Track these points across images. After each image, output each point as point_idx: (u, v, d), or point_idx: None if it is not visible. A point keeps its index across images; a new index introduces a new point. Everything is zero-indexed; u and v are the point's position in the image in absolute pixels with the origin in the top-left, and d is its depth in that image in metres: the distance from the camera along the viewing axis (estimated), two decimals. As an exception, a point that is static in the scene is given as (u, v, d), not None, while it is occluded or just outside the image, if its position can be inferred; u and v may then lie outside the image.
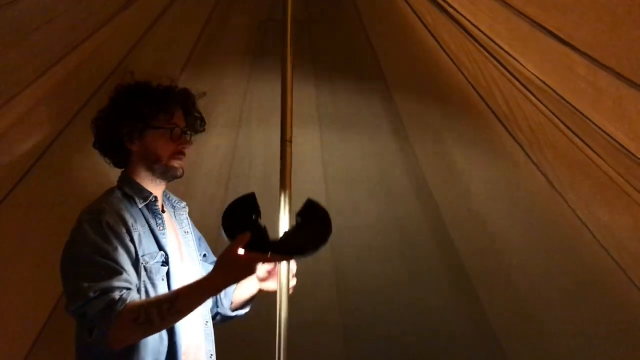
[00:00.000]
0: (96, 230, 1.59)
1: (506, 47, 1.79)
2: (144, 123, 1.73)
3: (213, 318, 1.91)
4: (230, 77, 2.43)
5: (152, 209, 1.76)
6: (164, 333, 1.61)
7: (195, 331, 1.75)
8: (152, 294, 1.62)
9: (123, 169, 1.81)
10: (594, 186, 2.00)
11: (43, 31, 1.63)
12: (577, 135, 1.88)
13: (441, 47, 2.05)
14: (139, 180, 1.77)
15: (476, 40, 1.89)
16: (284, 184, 1.76)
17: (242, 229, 1.56)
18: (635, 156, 1.66)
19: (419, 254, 2.77)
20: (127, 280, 1.55)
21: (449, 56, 2.07)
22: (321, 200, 1.69)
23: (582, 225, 2.12)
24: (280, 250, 1.61)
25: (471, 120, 2.24)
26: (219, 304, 1.96)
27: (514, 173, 2.26)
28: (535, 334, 2.60)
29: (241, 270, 1.56)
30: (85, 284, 1.51)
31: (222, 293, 1.93)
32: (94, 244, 1.57)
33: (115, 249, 1.58)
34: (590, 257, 2.17)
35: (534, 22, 1.53)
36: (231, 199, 1.68)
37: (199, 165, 2.51)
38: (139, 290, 1.60)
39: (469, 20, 1.83)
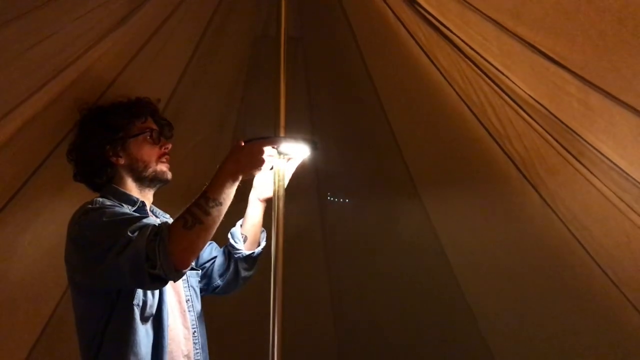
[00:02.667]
0: (103, 206, 1.62)
1: (498, 66, 1.81)
2: (123, 134, 1.76)
3: (234, 279, 1.97)
4: (224, 93, 2.44)
5: (141, 214, 1.74)
6: (151, 343, 1.60)
7: (183, 340, 1.74)
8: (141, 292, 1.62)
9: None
10: (586, 202, 2.00)
11: (36, 50, 1.63)
12: (569, 153, 1.89)
13: (434, 64, 2.06)
14: (125, 190, 1.77)
15: (468, 58, 1.91)
16: (277, 203, 1.79)
17: None
18: (627, 173, 1.68)
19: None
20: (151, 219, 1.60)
21: (441, 73, 2.08)
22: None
23: (575, 241, 2.13)
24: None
25: (463, 137, 2.25)
26: (235, 247, 1.96)
27: (506, 189, 2.27)
28: (529, 352, 2.60)
29: (250, 156, 1.62)
30: (119, 230, 1.49)
31: (233, 239, 1.97)
32: (110, 211, 1.59)
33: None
34: (583, 273, 2.18)
35: (526, 42, 1.55)
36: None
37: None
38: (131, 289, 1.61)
39: (461, 39, 1.85)
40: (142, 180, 1.78)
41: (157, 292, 1.66)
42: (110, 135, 1.74)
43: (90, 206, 1.63)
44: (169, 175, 1.82)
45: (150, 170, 1.78)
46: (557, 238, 2.17)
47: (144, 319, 1.61)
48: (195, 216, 1.49)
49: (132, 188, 1.78)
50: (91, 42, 1.83)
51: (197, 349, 1.77)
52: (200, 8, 2.13)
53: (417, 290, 2.79)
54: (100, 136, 1.74)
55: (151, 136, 1.80)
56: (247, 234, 2.00)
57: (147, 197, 1.82)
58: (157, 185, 1.84)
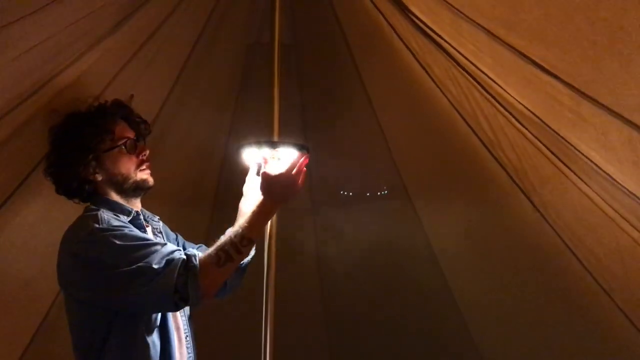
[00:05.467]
0: (111, 227, 1.58)
1: (491, 74, 1.82)
2: (94, 152, 1.68)
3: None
4: (218, 98, 2.44)
5: (137, 224, 1.73)
6: (158, 354, 1.60)
7: (178, 344, 1.73)
8: None
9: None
10: (578, 211, 2.01)
11: (28, 56, 1.62)
12: (562, 161, 1.90)
13: (427, 72, 2.07)
14: (114, 200, 1.74)
15: (461, 67, 1.92)
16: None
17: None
18: (618, 182, 1.68)
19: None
20: (170, 244, 1.58)
21: (434, 81, 2.09)
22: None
23: (567, 249, 2.13)
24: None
25: (456, 145, 2.25)
26: None
27: (498, 197, 2.27)
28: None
29: (286, 188, 1.62)
30: (144, 259, 1.48)
31: None
32: (121, 233, 1.55)
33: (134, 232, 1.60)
34: (575, 280, 2.18)
35: (518, 51, 1.55)
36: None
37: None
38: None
39: (454, 47, 1.86)
40: (125, 192, 1.74)
41: None
42: (81, 155, 1.67)
43: (96, 225, 1.57)
44: (151, 182, 1.78)
45: (131, 181, 1.73)
46: (549, 245, 2.17)
47: (149, 331, 1.61)
48: (229, 255, 1.53)
49: (117, 199, 1.74)
50: (84, 49, 1.83)
51: (189, 354, 1.77)
52: (194, 15, 2.14)
53: (408, 292, 2.81)
54: (71, 157, 1.67)
55: (126, 146, 1.73)
56: None
57: (135, 204, 1.78)
58: (142, 194, 1.80)
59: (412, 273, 2.76)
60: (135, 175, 1.74)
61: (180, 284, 1.47)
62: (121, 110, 1.79)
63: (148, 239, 1.58)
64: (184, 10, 2.07)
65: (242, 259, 1.61)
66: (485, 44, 1.63)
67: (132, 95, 1.89)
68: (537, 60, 1.51)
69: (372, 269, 2.83)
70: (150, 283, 1.47)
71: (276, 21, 1.94)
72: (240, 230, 1.57)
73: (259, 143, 1.75)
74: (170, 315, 1.69)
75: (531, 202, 2.14)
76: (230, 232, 1.61)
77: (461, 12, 1.63)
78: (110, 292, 1.54)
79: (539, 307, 2.43)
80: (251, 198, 1.89)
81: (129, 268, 1.48)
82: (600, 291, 2.11)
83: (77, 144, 1.67)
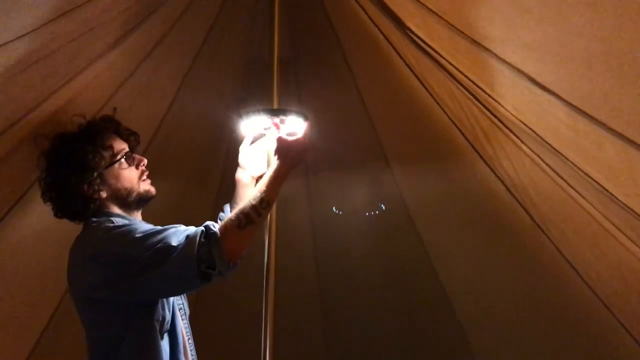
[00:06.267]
0: (126, 224, 1.60)
1: (487, 89, 1.83)
2: (96, 170, 1.68)
3: None
4: (216, 115, 2.45)
5: None
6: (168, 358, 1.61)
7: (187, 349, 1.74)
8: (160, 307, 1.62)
9: None
10: (577, 225, 2.01)
11: (31, 71, 1.64)
12: (559, 175, 1.90)
13: (424, 86, 2.09)
14: (117, 213, 1.74)
15: (458, 81, 1.93)
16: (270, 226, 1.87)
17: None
18: (616, 198, 1.68)
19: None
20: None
21: (431, 96, 2.10)
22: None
23: (566, 263, 2.13)
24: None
25: (454, 158, 2.26)
26: None
27: (497, 211, 2.27)
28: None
29: (300, 153, 1.71)
30: (162, 245, 1.49)
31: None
32: (136, 227, 1.57)
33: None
34: (575, 295, 2.18)
35: (513, 67, 1.56)
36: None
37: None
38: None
39: (450, 63, 1.87)
40: (129, 205, 1.75)
41: (171, 306, 1.66)
42: (83, 175, 1.66)
43: (111, 225, 1.60)
44: (154, 192, 1.78)
45: (135, 194, 1.74)
46: (548, 259, 2.17)
47: (161, 334, 1.61)
48: (249, 217, 1.57)
49: (120, 212, 1.74)
50: (84, 65, 1.84)
51: (192, 356, 1.78)
52: (193, 30, 2.16)
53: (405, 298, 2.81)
54: (73, 177, 1.66)
55: (126, 159, 1.74)
56: None
57: (137, 217, 1.79)
58: (145, 205, 1.80)
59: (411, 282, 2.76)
60: (139, 187, 1.75)
61: (203, 253, 1.48)
62: (112, 125, 1.80)
63: (163, 226, 1.59)
64: (182, 26, 2.09)
65: (262, 222, 1.66)
66: (481, 59, 1.65)
67: (115, 109, 1.89)
68: (532, 76, 1.52)
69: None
70: (172, 258, 1.48)
71: (275, 38, 1.95)
72: (259, 193, 1.61)
73: (263, 111, 1.82)
74: (178, 318, 1.69)
75: (530, 215, 2.14)
76: (252, 194, 1.65)
77: (457, 29, 1.65)
78: (135, 281, 1.52)
79: (538, 320, 2.42)
80: (252, 169, 1.97)
81: (150, 252, 1.50)
82: (600, 305, 2.11)
83: (79, 164, 1.66)
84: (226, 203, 2.02)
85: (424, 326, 2.79)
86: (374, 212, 2.69)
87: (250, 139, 1.95)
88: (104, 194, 1.70)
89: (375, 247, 2.76)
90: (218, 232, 1.52)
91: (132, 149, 1.81)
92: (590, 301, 2.12)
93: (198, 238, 1.50)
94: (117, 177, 1.72)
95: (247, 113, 1.83)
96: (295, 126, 1.82)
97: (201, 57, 2.25)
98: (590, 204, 1.86)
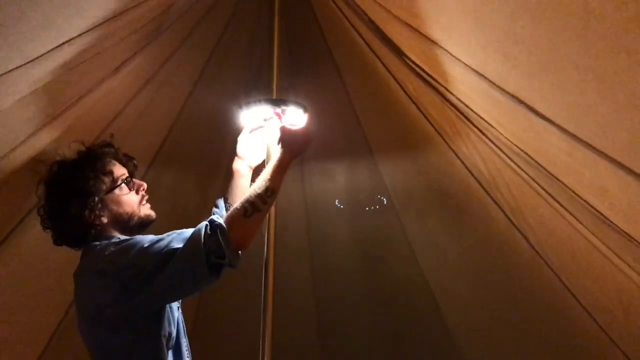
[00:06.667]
0: (132, 237, 1.60)
1: (484, 116, 1.85)
2: (97, 195, 1.67)
3: None
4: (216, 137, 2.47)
5: None
6: None
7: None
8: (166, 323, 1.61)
9: None
10: (575, 251, 2.01)
11: (33, 96, 1.65)
12: (557, 202, 1.91)
13: (422, 113, 2.11)
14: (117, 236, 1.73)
15: (456, 108, 1.95)
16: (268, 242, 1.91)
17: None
18: (614, 224, 1.69)
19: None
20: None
21: (429, 122, 2.12)
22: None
23: (565, 290, 2.13)
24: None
25: (453, 184, 2.27)
26: None
27: (496, 236, 2.28)
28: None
29: (303, 144, 1.73)
30: (169, 248, 1.50)
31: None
32: (142, 238, 1.57)
33: None
34: (575, 322, 2.17)
35: (511, 95, 1.58)
36: None
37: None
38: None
39: (448, 90, 1.89)
40: (130, 230, 1.74)
41: (176, 322, 1.65)
42: (85, 200, 1.65)
43: (117, 240, 1.61)
44: (154, 216, 1.78)
45: (136, 218, 1.73)
46: (547, 285, 2.17)
47: (167, 349, 1.61)
48: (255, 205, 1.58)
49: (121, 236, 1.72)
50: (84, 91, 1.86)
51: None
52: (195, 53, 2.18)
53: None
54: (75, 204, 1.64)
55: (126, 184, 1.74)
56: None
57: None
58: (145, 229, 1.79)
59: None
60: (139, 212, 1.74)
61: (212, 243, 1.49)
62: (111, 151, 1.80)
63: (167, 233, 1.59)
64: (184, 50, 2.12)
65: (268, 210, 1.66)
66: (479, 87, 1.67)
67: (112, 135, 1.88)
68: (529, 103, 1.54)
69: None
70: (179, 254, 1.49)
71: (274, 74, 2.00)
72: (264, 182, 1.63)
73: (264, 100, 1.85)
74: (182, 335, 1.69)
75: (528, 241, 2.14)
76: (256, 183, 1.66)
77: (455, 57, 1.67)
78: (145, 288, 1.51)
79: (536, 344, 2.41)
80: (250, 159, 1.99)
81: (158, 257, 1.50)
82: (599, 331, 2.10)
83: (80, 190, 1.66)
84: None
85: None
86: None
87: (249, 130, 1.98)
88: (105, 220, 1.69)
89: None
90: (223, 223, 1.53)
91: (131, 174, 1.81)
92: (589, 327, 2.12)
93: (203, 231, 1.51)
94: (118, 203, 1.71)
95: (248, 103, 1.86)
96: (295, 117, 1.85)
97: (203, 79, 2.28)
98: (589, 230, 1.87)
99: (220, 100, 2.36)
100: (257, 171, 1.85)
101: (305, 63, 2.31)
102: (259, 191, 1.60)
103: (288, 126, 1.76)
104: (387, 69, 2.07)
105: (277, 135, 1.74)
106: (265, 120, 1.91)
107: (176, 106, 2.33)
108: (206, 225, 1.53)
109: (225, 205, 1.99)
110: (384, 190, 2.48)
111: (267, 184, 1.62)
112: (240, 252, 1.54)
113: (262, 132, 1.96)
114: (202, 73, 2.30)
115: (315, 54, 2.28)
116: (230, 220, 1.55)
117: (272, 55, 2.02)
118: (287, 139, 1.72)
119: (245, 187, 1.99)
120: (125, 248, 1.56)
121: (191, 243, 1.50)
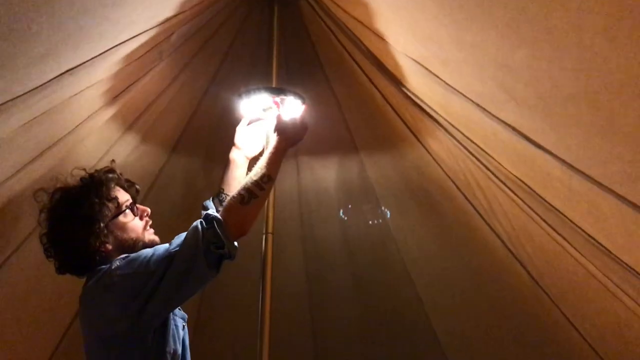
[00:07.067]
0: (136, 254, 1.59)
1: (482, 145, 1.86)
2: (102, 222, 1.64)
3: None
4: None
5: None
6: None
7: None
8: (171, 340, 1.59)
9: None
10: (573, 280, 2.00)
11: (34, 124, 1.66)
12: (555, 231, 1.90)
13: (420, 142, 2.12)
14: None
15: (454, 137, 1.96)
16: (265, 275, 1.88)
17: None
18: (614, 254, 1.69)
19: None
20: None
21: (427, 151, 2.13)
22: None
23: (564, 319, 2.11)
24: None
25: (450, 213, 2.27)
26: None
27: (493, 266, 2.26)
28: None
29: (300, 131, 1.77)
30: (170, 252, 1.51)
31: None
32: (146, 252, 1.56)
33: None
34: (574, 351, 2.15)
35: (508, 125, 1.59)
36: None
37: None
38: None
39: (446, 120, 1.90)
40: None
41: (181, 339, 1.63)
42: (90, 227, 1.62)
43: (123, 256, 1.60)
44: (158, 241, 1.75)
45: (140, 244, 1.70)
46: (546, 314, 2.16)
47: None
48: (252, 192, 1.60)
49: None
50: (82, 119, 1.87)
51: None
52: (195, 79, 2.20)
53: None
54: (80, 231, 1.62)
55: (131, 210, 1.72)
56: None
57: None
58: None
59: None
60: (144, 237, 1.72)
61: (210, 235, 1.50)
62: (114, 177, 1.78)
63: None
64: (185, 75, 2.14)
65: (265, 196, 1.67)
66: (476, 117, 1.68)
67: (112, 161, 1.87)
68: (527, 134, 1.55)
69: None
70: (179, 252, 1.50)
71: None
72: (259, 169, 1.65)
73: (264, 89, 1.87)
74: (187, 352, 1.67)
75: (526, 270, 2.13)
76: (253, 170, 1.68)
77: (452, 87, 1.69)
78: (154, 293, 1.50)
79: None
80: (248, 149, 2.01)
81: (162, 260, 1.51)
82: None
83: (86, 217, 1.63)
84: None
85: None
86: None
87: (248, 120, 1.99)
88: (109, 246, 1.66)
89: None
90: (218, 215, 1.55)
91: (134, 200, 1.80)
92: (589, 357, 2.09)
93: (199, 226, 1.53)
94: (123, 229, 1.69)
95: (247, 92, 1.87)
96: (293, 108, 1.88)
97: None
98: (587, 259, 1.86)
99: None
100: (253, 162, 1.83)
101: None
102: (255, 178, 1.63)
103: (285, 115, 1.79)
104: (384, 97, 2.09)
105: (274, 123, 1.77)
106: (264, 110, 1.93)
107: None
108: (201, 221, 1.55)
109: (221, 196, 1.99)
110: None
111: (263, 171, 1.65)
112: (241, 235, 1.56)
113: (260, 123, 1.98)
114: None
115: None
116: (227, 208, 1.58)
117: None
118: (283, 127, 1.75)
119: (241, 178, 1.98)
120: (130, 260, 1.57)
121: (190, 239, 1.52)
